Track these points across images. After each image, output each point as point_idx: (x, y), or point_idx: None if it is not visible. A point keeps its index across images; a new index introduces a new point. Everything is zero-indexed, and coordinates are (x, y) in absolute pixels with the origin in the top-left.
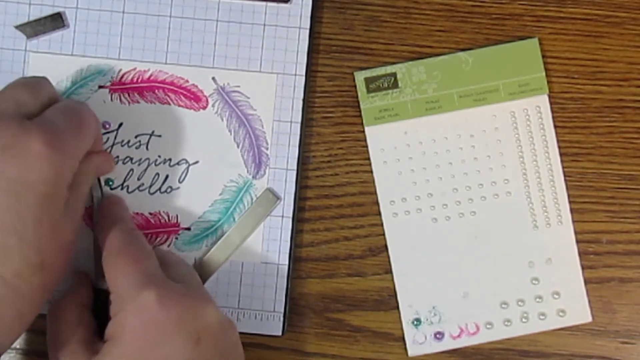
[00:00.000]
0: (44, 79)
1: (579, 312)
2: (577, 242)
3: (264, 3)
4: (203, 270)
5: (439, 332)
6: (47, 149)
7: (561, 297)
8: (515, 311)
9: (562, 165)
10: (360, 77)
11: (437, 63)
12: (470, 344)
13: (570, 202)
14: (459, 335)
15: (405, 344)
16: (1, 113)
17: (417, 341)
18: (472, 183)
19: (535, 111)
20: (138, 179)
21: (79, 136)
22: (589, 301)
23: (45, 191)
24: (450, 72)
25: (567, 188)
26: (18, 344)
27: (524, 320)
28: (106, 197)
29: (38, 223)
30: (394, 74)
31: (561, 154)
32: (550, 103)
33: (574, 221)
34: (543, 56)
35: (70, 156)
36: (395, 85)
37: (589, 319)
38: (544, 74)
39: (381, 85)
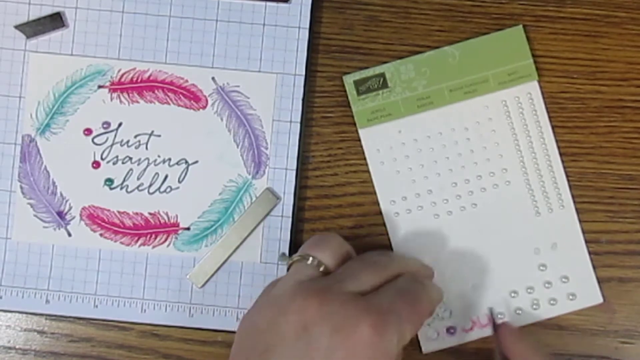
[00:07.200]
0: (389, 257)
1: (589, 294)
2: (580, 221)
3: (263, 3)
4: (203, 270)
5: (451, 327)
6: (375, 337)
7: (570, 281)
8: (525, 299)
9: (558, 150)
10: (349, 80)
11: (424, 59)
12: (484, 335)
13: (569, 186)
14: (471, 329)
15: (418, 341)
16: (346, 291)
17: (430, 337)
18: (470, 176)
19: (526, 98)
20: (137, 179)
21: (411, 319)
22: (599, 282)
23: None
24: (439, 67)
25: (566, 173)
26: (18, 344)
27: (534, 307)
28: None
29: None
30: (383, 74)
31: (560, 154)
32: (542, 91)
33: (575, 203)
34: (543, 56)
35: (398, 341)
36: (384, 85)
37: (600, 300)
38: (531, 60)
39: (371, 86)
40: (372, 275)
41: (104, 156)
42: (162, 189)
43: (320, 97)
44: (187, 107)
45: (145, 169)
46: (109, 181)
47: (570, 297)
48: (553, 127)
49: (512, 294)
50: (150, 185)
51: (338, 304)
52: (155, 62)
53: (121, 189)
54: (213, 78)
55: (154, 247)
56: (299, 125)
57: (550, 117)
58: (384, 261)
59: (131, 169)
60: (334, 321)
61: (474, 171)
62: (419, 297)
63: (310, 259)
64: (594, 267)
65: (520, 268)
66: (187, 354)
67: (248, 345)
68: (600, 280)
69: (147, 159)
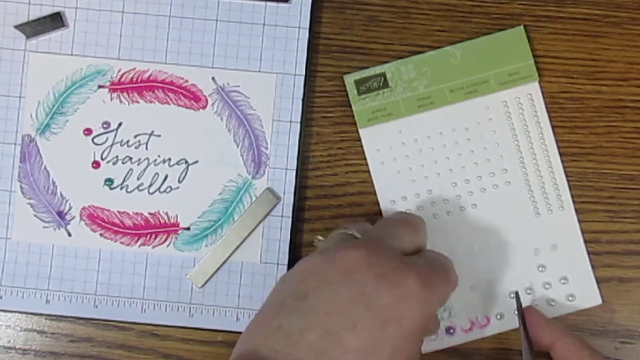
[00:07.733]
0: (423, 223)
1: (589, 295)
2: (580, 222)
3: (263, 3)
4: (203, 270)
5: (450, 327)
6: (420, 289)
7: (569, 282)
8: (524, 300)
9: (558, 150)
10: (350, 79)
11: (425, 59)
12: (483, 335)
13: (569, 186)
14: (470, 329)
15: None
16: (390, 247)
17: (429, 337)
18: (470, 176)
19: (527, 99)
20: (137, 179)
21: (446, 287)
22: (598, 283)
23: (409, 327)
24: (440, 67)
25: (566, 174)
26: (18, 344)
27: None
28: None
29: (394, 353)
30: (384, 74)
31: (560, 154)
32: (542, 91)
33: (574, 203)
34: (543, 56)
35: (436, 302)
36: (385, 85)
37: (599, 301)
38: (532, 61)
39: (371, 86)
40: (408, 235)
41: (104, 156)
42: (162, 189)
43: (320, 97)
44: (187, 107)
45: (145, 169)
46: (109, 181)
47: (570, 298)
48: (553, 128)
49: (511, 295)
50: (150, 185)
51: (386, 257)
52: (155, 62)
53: (121, 189)
54: (213, 78)
55: (154, 247)
56: (299, 125)
57: (550, 118)
58: (415, 221)
59: (131, 169)
60: (381, 270)
61: (474, 171)
62: (449, 271)
63: (350, 232)
64: (594, 268)
65: (520, 269)
66: (187, 354)
67: (285, 291)
68: (600, 280)
69: (147, 159)
